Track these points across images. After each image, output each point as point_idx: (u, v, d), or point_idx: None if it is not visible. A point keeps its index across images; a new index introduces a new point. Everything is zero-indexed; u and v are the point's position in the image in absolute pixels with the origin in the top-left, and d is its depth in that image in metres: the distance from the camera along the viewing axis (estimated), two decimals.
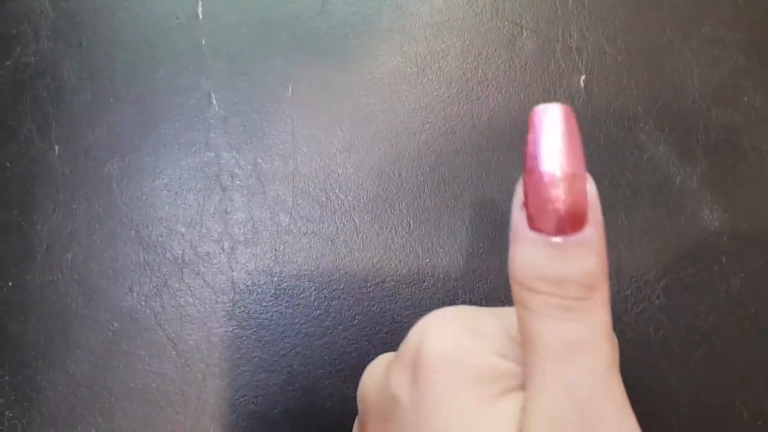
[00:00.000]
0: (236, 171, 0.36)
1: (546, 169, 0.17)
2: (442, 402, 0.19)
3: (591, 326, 0.17)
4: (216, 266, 0.34)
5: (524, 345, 0.18)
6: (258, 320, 0.34)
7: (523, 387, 0.20)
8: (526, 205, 0.18)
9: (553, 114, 0.18)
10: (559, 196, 0.17)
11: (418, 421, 0.19)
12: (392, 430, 0.21)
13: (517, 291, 0.18)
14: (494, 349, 0.20)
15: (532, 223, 0.18)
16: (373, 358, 0.34)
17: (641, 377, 0.34)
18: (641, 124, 0.37)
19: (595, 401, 0.17)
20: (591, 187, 0.18)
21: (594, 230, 0.17)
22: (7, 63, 0.37)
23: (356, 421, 0.25)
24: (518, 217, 0.18)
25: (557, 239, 0.17)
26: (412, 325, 0.22)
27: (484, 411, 0.19)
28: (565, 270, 0.17)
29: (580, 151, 0.17)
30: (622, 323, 0.35)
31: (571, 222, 0.17)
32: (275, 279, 0.34)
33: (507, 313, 0.22)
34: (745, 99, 0.38)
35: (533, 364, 0.18)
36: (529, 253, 0.18)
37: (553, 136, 0.17)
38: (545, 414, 0.17)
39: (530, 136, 0.18)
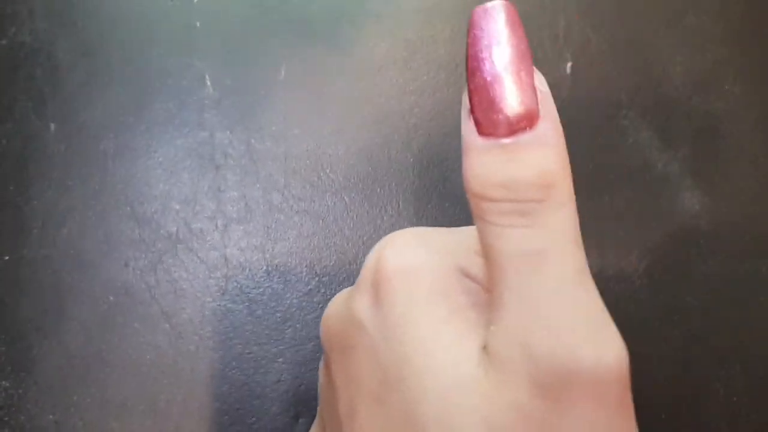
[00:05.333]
0: (229, 151, 0.36)
1: (489, 69, 0.16)
2: (407, 317, 0.18)
3: (553, 230, 0.16)
4: (209, 243, 0.35)
5: (486, 260, 0.17)
6: (250, 295, 0.35)
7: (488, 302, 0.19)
8: (472, 111, 0.17)
9: (493, 11, 0.16)
10: (505, 94, 0.16)
11: (383, 341, 0.18)
12: (356, 357, 0.19)
13: (473, 204, 0.17)
14: (456, 264, 0.19)
15: (481, 129, 0.16)
16: None
17: None
18: (625, 111, 0.39)
19: (564, 316, 0.16)
20: (540, 82, 0.17)
21: (548, 124, 0.16)
22: (2, 42, 0.37)
23: (321, 363, 0.23)
24: (467, 127, 0.17)
25: (507, 140, 0.16)
26: None
27: (450, 324, 0.18)
28: (517, 171, 0.16)
29: (525, 45, 0.16)
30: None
31: (522, 120, 0.16)
32: (267, 256, 0.35)
33: (468, 231, 0.21)
34: (726, 87, 0.39)
35: (495, 279, 0.17)
36: (481, 161, 0.17)
37: (493, 33, 0.16)
38: (513, 335, 0.16)
39: (470, 37, 0.17)
